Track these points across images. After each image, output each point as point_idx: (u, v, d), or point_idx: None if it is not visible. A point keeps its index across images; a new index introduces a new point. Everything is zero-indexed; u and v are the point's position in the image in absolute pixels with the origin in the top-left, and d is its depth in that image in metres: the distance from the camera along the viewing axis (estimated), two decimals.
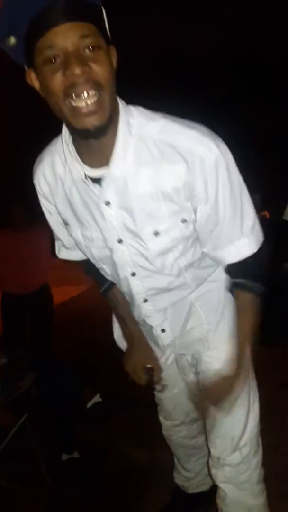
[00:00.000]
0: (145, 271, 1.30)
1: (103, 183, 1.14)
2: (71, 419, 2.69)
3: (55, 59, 0.93)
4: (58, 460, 2.66)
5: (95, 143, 1.07)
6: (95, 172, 1.14)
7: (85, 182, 1.16)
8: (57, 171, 1.22)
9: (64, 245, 1.45)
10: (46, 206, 1.35)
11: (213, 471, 1.56)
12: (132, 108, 1.13)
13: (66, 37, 0.91)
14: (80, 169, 1.14)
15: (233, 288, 1.40)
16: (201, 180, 1.12)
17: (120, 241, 1.23)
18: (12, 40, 0.94)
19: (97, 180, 1.15)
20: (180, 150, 1.08)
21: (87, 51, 0.94)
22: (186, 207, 1.17)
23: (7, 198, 4.01)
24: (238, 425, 1.49)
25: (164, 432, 1.83)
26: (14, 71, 1.14)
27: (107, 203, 1.16)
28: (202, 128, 1.12)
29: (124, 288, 1.40)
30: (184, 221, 1.20)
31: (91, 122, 0.98)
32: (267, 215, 5.39)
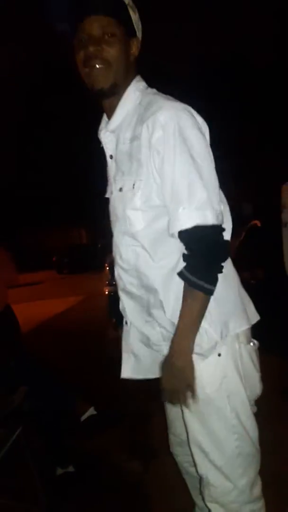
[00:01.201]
0: (113, 224, 1.44)
1: (102, 135, 1.44)
2: (65, 433, 2.67)
3: (83, 39, 1.32)
4: (52, 474, 2.64)
5: (106, 103, 1.41)
6: None
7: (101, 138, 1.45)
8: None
9: None
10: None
11: (201, 489, 1.50)
12: (146, 88, 1.42)
13: (91, 25, 1.31)
14: (104, 125, 1.46)
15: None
16: (154, 139, 1.27)
17: (111, 192, 1.44)
18: (66, 27, 1.36)
19: None
20: (148, 113, 1.29)
21: (106, 36, 1.31)
22: (142, 170, 1.30)
23: None
24: (214, 441, 1.41)
25: (171, 450, 1.77)
26: None
27: (111, 156, 1.44)
28: (178, 102, 1.32)
29: (114, 249, 1.49)
30: (133, 185, 1.32)
31: (95, 85, 1.34)
32: (258, 224, 5.42)
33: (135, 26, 1.39)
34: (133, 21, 1.38)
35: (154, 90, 1.41)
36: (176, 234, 1.29)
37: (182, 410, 1.47)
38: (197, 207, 1.25)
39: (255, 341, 1.48)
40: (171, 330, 1.38)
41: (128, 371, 1.53)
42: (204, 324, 1.35)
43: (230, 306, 1.44)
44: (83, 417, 2.83)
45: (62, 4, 1.37)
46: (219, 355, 1.39)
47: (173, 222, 1.27)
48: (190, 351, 1.32)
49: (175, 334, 1.33)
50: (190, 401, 1.35)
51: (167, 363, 1.34)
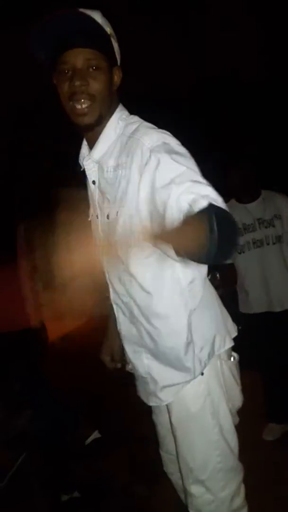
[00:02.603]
0: (101, 249, 1.43)
1: (85, 163, 1.43)
2: (70, 456, 2.64)
3: (67, 71, 1.29)
4: (58, 500, 2.60)
5: (89, 134, 1.41)
6: None
7: (83, 164, 1.45)
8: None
9: None
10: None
11: (185, 497, 1.54)
12: (129, 115, 1.42)
13: (76, 58, 1.28)
14: (85, 152, 1.47)
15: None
16: (142, 160, 1.23)
17: (97, 216, 1.45)
18: (43, 56, 1.32)
19: None
20: (133, 141, 1.29)
21: (90, 69, 1.29)
22: (126, 199, 1.28)
23: None
24: (197, 458, 1.44)
25: (164, 469, 1.77)
26: None
27: (93, 182, 1.44)
28: (162, 130, 1.31)
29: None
30: (117, 213, 1.30)
31: (82, 120, 1.33)
32: None
33: (116, 55, 1.38)
34: (115, 51, 1.37)
35: (137, 118, 1.41)
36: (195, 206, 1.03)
37: (171, 426, 1.49)
38: (197, 182, 1.12)
39: (235, 355, 1.52)
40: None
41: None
42: (195, 349, 1.40)
43: (213, 326, 1.46)
44: (88, 441, 2.80)
45: (40, 35, 1.25)
46: (202, 374, 1.42)
47: (199, 200, 1.04)
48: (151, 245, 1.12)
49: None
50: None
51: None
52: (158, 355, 1.44)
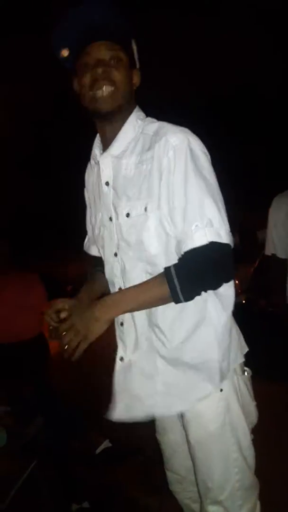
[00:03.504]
0: (122, 251, 1.39)
1: (101, 161, 1.41)
2: (80, 466, 2.62)
3: (89, 63, 1.31)
4: (68, 510, 2.57)
5: (107, 127, 1.39)
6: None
7: (97, 164, 1.45)
8: (91, 161, 1.54)
9: (89, 238, 1.67)
10: (86, 197, 1.62)
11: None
12: (145, 117, 1.43)
13: (98, 50, 1.31)
14: (97, 153, 1.46)
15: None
16: (165, 159, 1.27)
17: (110, 219, 1.41)
18: (66, 52, 1.35)
19: None
20: (157, 137, 1.31)
21: (112, 61, 1.32)
22: (154, 192, 1.29)
23: None
24: (216, 477, 1.40)
25: (170, 488, 1.73)
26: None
27: (107, 183, 1.41)
28: (185, 128, 1.32)
29: (107, 273, 1.48)
30: (145, 209, 1.30)
31: (103, 106, 1.32)
32: None
33: (135, 58, 1.41)
34: (135, 54, 1.41)
35: (154, 119, 1.42)
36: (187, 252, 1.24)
37: (188, 445, 1.45)
38: (211, 225, 1.23)
39: (248, 369, 1.49)
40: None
41: (119, 412, 1.45)
42: (219, 357, 1.36)
43: (231, 339, 1.44)
44: (98, 450, 2.78)
45: (65, 28, 1.29)
46: (221, 390, 1.39)
47: (186, 240, 1.24)
48: (115, 315, 1.29)
49: (119, 292, 1.35)
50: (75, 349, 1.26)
51: (92, 305, 1.28)
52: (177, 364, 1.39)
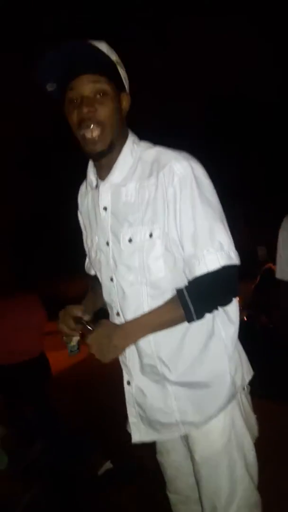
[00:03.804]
0: (120, 276, 1.39)
1: (101, 188, 1.41)
2: (82, 488, 2.57)
3: (75, 100, 1.30)
4: None
5: (103, 161, 1.39)
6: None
7: (93, 189, 1.47)
8: (86, 185, 1.55)
9: (89, 261, 1.66)
10: (80, 221, 1.64)
11: None
12: (140, 140, 1.44)
13: (82, 84, 1.29)
14: (93, 179, 1.47)
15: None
16: (171, 189, 1.29)
17: (107, 243, 1.42)
18: (51, 87, 1.34)
19: None
20: (160, 165, 1.32)
21: (98, 96, 1.30)
22: (158, 219, 1.31)
23: None
24: (222, 496, 1.39)
25: (173, 509, 1.70)
26: None
27: (105, 208, 1.42)
28: (184, 153, 1.35)
29: (105, 296, 1.49)
30: (150, 235, 1.32)
31: (94, 148, 1.33)
32: (273, 267, 5.38)
33: (124, 82, 1.39)
34: (122, 77, 1.38)
35: (149, 143, 1.43)
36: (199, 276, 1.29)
37: (193, 463, 1.45)
38: (221, 248, 1.28)
39: (247, 385, 1.49)
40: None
41: (137, 435, 1.48)
42: (230, 370, 1.39)
43: (240, 353, 1.47)
44: (100, 471, 2.73)
45: (49, 63, 1.28)
46: None
47: (198, 265, 1.28)
48: (133, 342, 1.35)
49: (136, 319, 1.34)
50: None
51: (111, 329, 1.33)
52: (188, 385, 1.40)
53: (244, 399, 1.46)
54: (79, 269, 1.82)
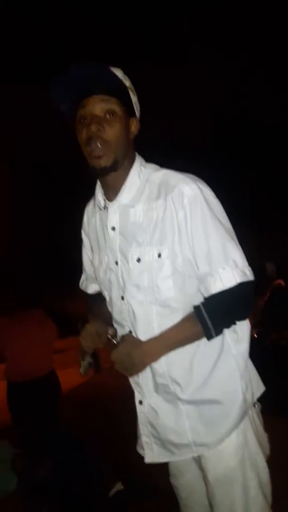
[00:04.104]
0: (130, 295, 1.41)
1: (110, 208, 1.44)
2: (93, 510, 2.53)
3: (85, 118, 1.36)
4: None
5: (108, 180, 1.43)
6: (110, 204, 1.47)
7: (102, 210, 1.49)
8: (94, 206, 1.57)
9: (86, 277, 1.71)
10: (83, 238, 1.67)
11: None
12: (147, 163, 1.48)
13: (93, 104, 1.34)
14: (101, 199, 1.49)
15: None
16: (181, 211, 1.32)
17: (116, 262, 1.44)
18: (65, 106, 1.40)
19: None
20: (168, 187, 1.36)
21: (107, 115, 1.35)
22: (167, 240, 1.34)
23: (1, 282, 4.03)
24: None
25: None
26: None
27: (113, 228, 1.45)
28: (191, 175, 1.39)
29: (116, 315, 1.50)
30: (159, 255, 1.35)
31: (98, 163, 1.36)
32: (282, 283, 5.36)
33: (134, 107, 1.44)
34: (133, 102, 1.43)
35: (156, 166, 1.47)
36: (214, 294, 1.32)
37: (206, 483, 1.43)
38: (236, 265, 1.31)
39: (257, 403, 1.49)
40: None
41: (150, 456, 1.48)
42: (242, 387, 1.39)
43: (250, 370, 1.48)
44: (111, 493, 2.69)
45: (62, 83, 1.35)
46: None
47: (214, 282, 1.31)
48: (157, 358, 1.37)
49: (158, 337, 1.36)
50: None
51: (135, 345, 1.37)
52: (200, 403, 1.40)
53: (255, 416, 1.46)
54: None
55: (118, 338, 1.43)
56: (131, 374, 1.37)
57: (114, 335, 1.44)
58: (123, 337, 1.41)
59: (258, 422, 1.46)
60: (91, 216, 1.60)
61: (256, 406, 1.47)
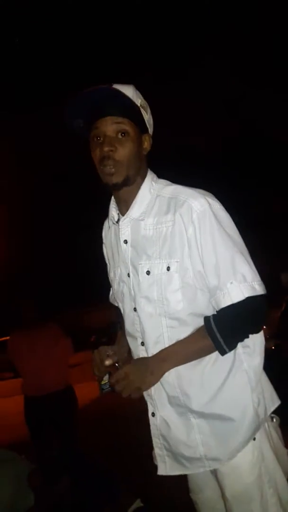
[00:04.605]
0: (139, 307, 1.43)
1: (121, 222, 1.49)
2: None
3: (98, 138, 1.41)
4: None
5: (121, 195, 1.48)
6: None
7: (115, 224, 1.54)
8: (108, 221, 1.62)
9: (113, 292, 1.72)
10: (104, 254, 1.71)
11: None
12: (159, 179, 1.52)
13: (106, 125, 1.39)
14: (115, 214, 1.55)
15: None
16: (191, 226, 1.34)
17: (128, 275, 1.48)
18: (80, 123, 1.45)
19: None
20: (178, 202, 1.38)
21: (119, 135, 1.40)
22: (176, 254, 1.36)
23: (17, 293, 4.06)
24: None
25: None
26: None
27: (125, 241, 1.49)
28: (201, 190, 1.41)
29: (128, 327, 1.52)
30: (168, 268, 1.37)
31: (111, 180, 1.41)
32: None
33: (147, 124, 1.48)
34: (145, 120, 1.47)
35: (167, 181, 1.50)
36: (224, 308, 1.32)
37: (224, 500, 1.41)
38: (244, 280, 1.30)
39: (276, 416, 1.47)
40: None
41: (163, 468, 1.47)
42: (254, 402, 1.37)
43: (263, 384, 1.45)
44: (130, 510, 2.66)
45: (76, 107, 1.42)
46: (254, 439, 1.37)
47: (223, 297, 1.31)
48: (167, 370, 1.36)
49: (169, 347, 1.37)
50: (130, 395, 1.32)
51: (144, 360, 1.39)
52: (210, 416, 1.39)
53: (273, 432, 1.43)
54: (102, 299, 1.84)
55: (119, 365, 1.41)
56: (141, 388, 1.33)
57: (113, 364, 1.42)
58: (132, 361, 1.41)
59: (276, 436, 1.44)
60: (107, 230, 1.64)
61: (275, 420, 1.45)
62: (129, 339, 1.53)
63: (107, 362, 1.42)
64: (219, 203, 1.40)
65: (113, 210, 1.56)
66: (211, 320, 1.33)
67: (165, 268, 1.37)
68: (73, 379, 3.94)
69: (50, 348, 3.65)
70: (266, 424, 1.41)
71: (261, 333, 1.42)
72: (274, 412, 1.46)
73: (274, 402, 1.46)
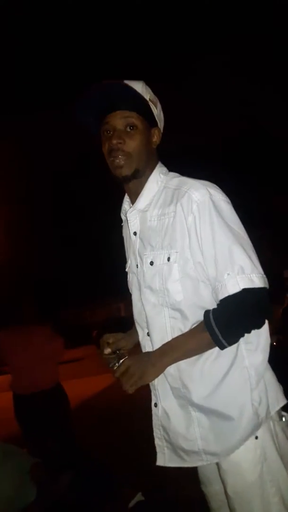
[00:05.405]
0: (144, 297, 1.46)
1: (129, 214, 1.52)
2: None
3: (108, 132, 1.46)
4: None
5: (131, 187, 1.52)
6: None
7: (126, 217, 1.56)
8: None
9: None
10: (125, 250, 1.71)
11: None
12: (168, 172, 1.55)
13: (115, 119, 1.44)
14: (127, 207, 1.59)
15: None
16: (191, 216, 1.35)
17: (137, 266, 1.51)
18: (91, 118, 1.49)
19: None
20: (180, 193, 1.40)
21: (128, 128, 1.44)
22: (176, 245, 1.37)
23: (16, 290, 4.10)
24: None
25: None
26: None
27: (135, 233, 1.52)
28: (206, 181, 1.42)
29: (136, 316, 1.56)
30: (168, 259, 1.38)
31: (120, 172, 1.46)
32: None
33: (156, 118, 1.51)
34: (154, 114, 1.50)
35: (176, 174, 1.52)
36: (223, 300, 1.32)
37: (227, 497, 1.41)
38: (242, 272, 1.29)
39: (286, 414, 1.45)
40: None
41: (162, 459, 1.50)
42: (253, 401, 1.36)
43: (267, 382, 1.43)
44: (131, 504, 2.67)
45: (85, 103, 1.47)
46: (256, 437, 1.36)
47: (220, 288, 1.31)
48: (168, 363, 1.37)
49: (171, 341, 1.38)
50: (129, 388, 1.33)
51: (147, 353, 1.43)
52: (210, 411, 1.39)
53: (279, 430, 1.41)
54: (104, 296, 1.86)
55: (120, 353, 1.45)
56: (142, 379, 1.34)
57: (112, 353, 1.46)
58: (124, 360, 1.40)
59: (283, 437, 1.41)
60: (124, 225, 1.67)
61: (284, 419, 1.43)
62: (138, 329, 1.57)
63: (106, 351, 1.47)
64: (223, 194, 1.40)
65: (126, 203, 1.60)
66: (210, 313, 1.32)
67: (166, 259, 1.39)
68: (74, 374, 3.97)
69: (38, 347, 3.67)
70: (271, 423, 1.39)
71: (266, 330, 1.39)
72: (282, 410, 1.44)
73: (279, 401, 1.44)
